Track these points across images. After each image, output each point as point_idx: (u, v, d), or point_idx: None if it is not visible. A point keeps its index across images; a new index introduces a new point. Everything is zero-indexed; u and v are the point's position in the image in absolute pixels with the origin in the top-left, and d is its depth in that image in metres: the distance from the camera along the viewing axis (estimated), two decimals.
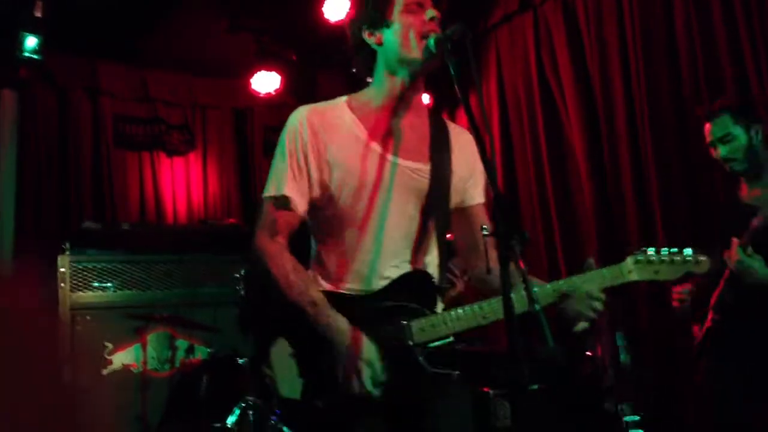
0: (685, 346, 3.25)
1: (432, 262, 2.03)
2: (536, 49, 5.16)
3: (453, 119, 5.83)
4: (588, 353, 4.23)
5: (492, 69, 5.54)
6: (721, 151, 3.01)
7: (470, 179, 2.11)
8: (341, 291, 1.96)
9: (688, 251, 1.93)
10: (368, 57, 2.05)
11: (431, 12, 1.96)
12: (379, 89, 2.05)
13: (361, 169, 1.95)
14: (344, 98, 2.08)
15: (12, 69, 5.21)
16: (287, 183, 1.96)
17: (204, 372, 4.43)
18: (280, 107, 6.38)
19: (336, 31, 5.27)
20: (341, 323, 1.85)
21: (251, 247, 1.99)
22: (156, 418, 4.38)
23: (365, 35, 2.03)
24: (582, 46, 4.84)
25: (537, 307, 1.50)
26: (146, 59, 6.06)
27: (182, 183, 6.31)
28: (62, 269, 4.34)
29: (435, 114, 2.07)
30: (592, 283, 1.87)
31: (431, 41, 1.91)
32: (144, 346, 4.48)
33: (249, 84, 5.99)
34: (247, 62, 5.98)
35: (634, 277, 1.91)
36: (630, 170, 4.47)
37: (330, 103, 2.07)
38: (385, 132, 2.00)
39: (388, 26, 1.99)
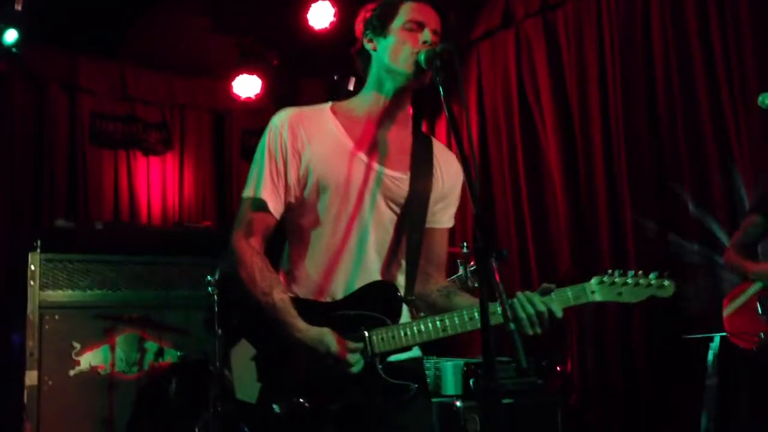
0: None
1: (402, 273, 2.03)
2: (517, 65, 5.21)
3: (432, 130, 5.86)
4: (558, 368, 4.28)
5: (472, 83, 5.57)
6: None
7: (441, 202, 2.10)
8: (307, 298, 1.97)
9: (653, 275, 1.92)
10: (366, 62, 2.09)
11: (427, 36, 1.98)
12: (366, 99, 2.07)
13: (344, 176, 1.96)
14: (329, 104, 2.09)
15: None
16: (265, 186, 1.97)
17: (173, 376, 4.39)
18: (259, 111, 6.35)
19: (320, 38, 5.28)
20: (301, 323, 1.86)
21: (227, 246, 1.99)
22: (123, 421, 4.31)
23: (366, 41, 2.07)
24: (561, 64, 4.90)
25: (512, 326, 1.52)
26: (126, 56, 5.99)
27: (158, 183, 6.24)
28: (32, 267, 4.26)
29: (420, 131, 2.04)
30: (555, 303, 1.85)
31: (422, 56, 1.93)
32: (112, 348, 4.42)
33: (230, 86, 5.96)
34: (228, 64, 5.94)
35: (597, 297, 1.90)
36: (605, 188, 4.53)
37: (314, 108, 2.08)
38: (370, 141, 2.01)
39: (385, 36, 2.02)
